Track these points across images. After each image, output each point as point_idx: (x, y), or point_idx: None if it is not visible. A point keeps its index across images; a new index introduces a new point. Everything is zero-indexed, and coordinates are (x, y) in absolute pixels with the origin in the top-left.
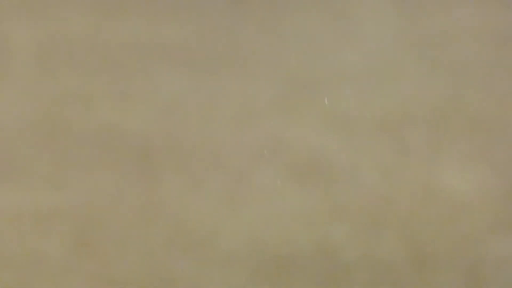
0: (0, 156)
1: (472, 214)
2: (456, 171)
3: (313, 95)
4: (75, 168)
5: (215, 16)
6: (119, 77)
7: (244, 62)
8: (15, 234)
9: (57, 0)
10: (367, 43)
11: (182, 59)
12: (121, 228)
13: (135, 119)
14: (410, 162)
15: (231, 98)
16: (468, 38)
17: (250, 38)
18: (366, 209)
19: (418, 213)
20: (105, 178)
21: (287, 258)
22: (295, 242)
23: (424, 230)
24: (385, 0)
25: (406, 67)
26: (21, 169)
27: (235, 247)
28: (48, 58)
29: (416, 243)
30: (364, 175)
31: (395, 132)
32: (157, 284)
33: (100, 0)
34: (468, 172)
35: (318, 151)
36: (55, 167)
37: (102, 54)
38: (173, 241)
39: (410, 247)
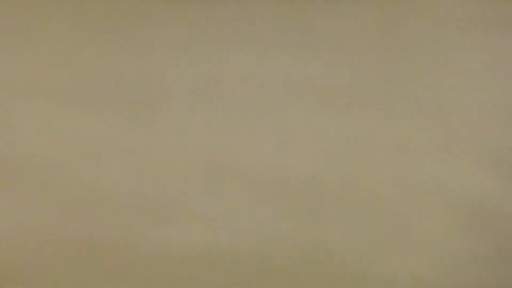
0: (172, 197)
1: None
2: None
3: (471, 135)
4: (240, 207)
5: (368, 57)
6: (272, 113)
7: (398, 101)
8: (187, 276)
9: (215, 44)
10: None
11: (336, 98)
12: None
13: (294, 158)
14: None
15: (387, 137)
16: None
17: (404, 79)
18: None
19: None
20: (266, 216)
21: None
22: None
23: None
24: None
25: None
26: (191, 209)
27: None
28: (206, 97)
29: None
30: None
31: None
32: None
33: (256, 41)
34: None
35: (481, 194)
36: (222, 207)
37: (258, 91)
38: None
39: None
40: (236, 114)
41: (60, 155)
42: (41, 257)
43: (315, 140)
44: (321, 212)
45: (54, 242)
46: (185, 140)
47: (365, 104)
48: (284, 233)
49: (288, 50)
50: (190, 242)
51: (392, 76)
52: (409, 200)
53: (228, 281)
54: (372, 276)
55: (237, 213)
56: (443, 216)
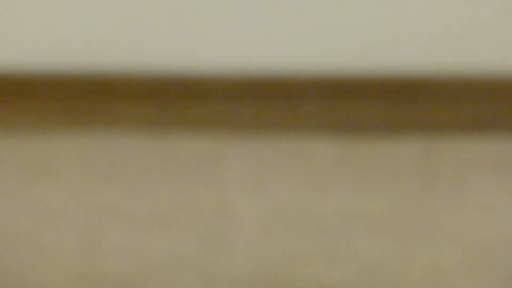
0: None
1: None
2: None
3: (495, 260)
4: None
5: (409, 189)
6: (325, 240)
7: (435, 229)
8: None
9: (276, 176)
10: None
11: (381, 227)
12: None
13: (340, 277)
14: None
15: (422, 262)
16: None
17: (440, 208)
18: None
19: None
20: None
21: None
22: None
23: None
24: None
25: None
26: None
27: None
28: (268, 224)
29: None
30: None
31: None
32: None
33: (312, 175)
34: None
35: None
36: None
37: (313, 221)
38: None
39: None
40: None
41: (143, 273)
42: None
43: (355, 260)
44: None
45: None
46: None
47: (402, 230)
48: None
49: (343, 184)
50: None
51: (429, 208)
52: None
53: None
54: None
55: None
56: None
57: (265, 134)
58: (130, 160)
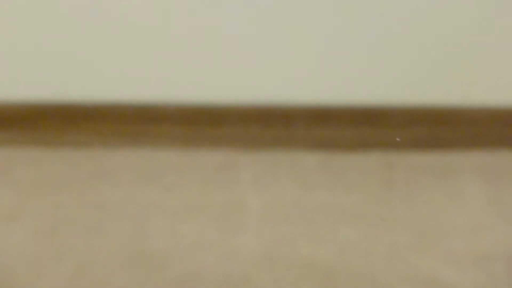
0: None
1: None
2: None
3: (438, 241)
4: None
5: (373, 189)
6: (312, 226)
7: (393, 219)
8: None
9: (275, 179)
10: None
11: (353, 217)
12: None
13: (324, 254)
14: None
15: (384, 243)
16: None
17: (397, 203)
18: None
19: None
20: None
21: None
22: None
23: None
24: None
25: None
26: None
27: None
28: (269, 215)
29: None
30: None
31: None
32: None
33: (301, 179)
34: None
35: None
36: None
37: (302, 212)
38: None
39: None
40: None
41: (177, 252)
42: None
43: None
44: None
45: None
46: None
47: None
48: None
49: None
50: None
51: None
52: None
53: None
54: None
55: None
56: None
57: (267, 149)
58: (168, 167)
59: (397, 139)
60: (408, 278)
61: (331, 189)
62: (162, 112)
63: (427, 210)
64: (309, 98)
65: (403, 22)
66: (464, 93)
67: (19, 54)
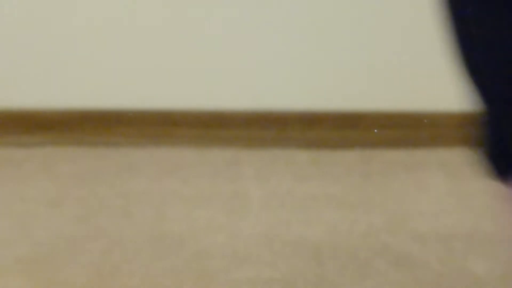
0: None
1: None
2: None
3: (406, 222)
4: None
5: (354, 180)
6: (304, 211)
7: (370, 205)
8: None
9: (273, 173)
10: None
11: (337, 203)
12: None
13: (314, 234)
14: None
15: (363, 225)
16: None
17: (373, 192)
18: None
19: None
20: None
21: None
22: None
23: None
24: None
25: None
26: None
27: None
28: (268, 203)
29: None
30: None
31: None
32: None
33: (295, 172)
34: None
35: None
36: None
37: (296, 200)
38: None
39: None
40: None
41: (192, 234)
42: None
43: None
44: None
45: None
46: None
47: None
48: None
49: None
50: None
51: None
52: None
53: None
54: None
55: None
56: None
57: (266, 148)
58: (184, 163)
59: (375, 130)
60: (382, 253)
61: (319, 181)
62: (179, 117)
63: (398, 197)
64: (301, 105)
65: (376, 44)
66: (428, 100)
67: (65, 67)
